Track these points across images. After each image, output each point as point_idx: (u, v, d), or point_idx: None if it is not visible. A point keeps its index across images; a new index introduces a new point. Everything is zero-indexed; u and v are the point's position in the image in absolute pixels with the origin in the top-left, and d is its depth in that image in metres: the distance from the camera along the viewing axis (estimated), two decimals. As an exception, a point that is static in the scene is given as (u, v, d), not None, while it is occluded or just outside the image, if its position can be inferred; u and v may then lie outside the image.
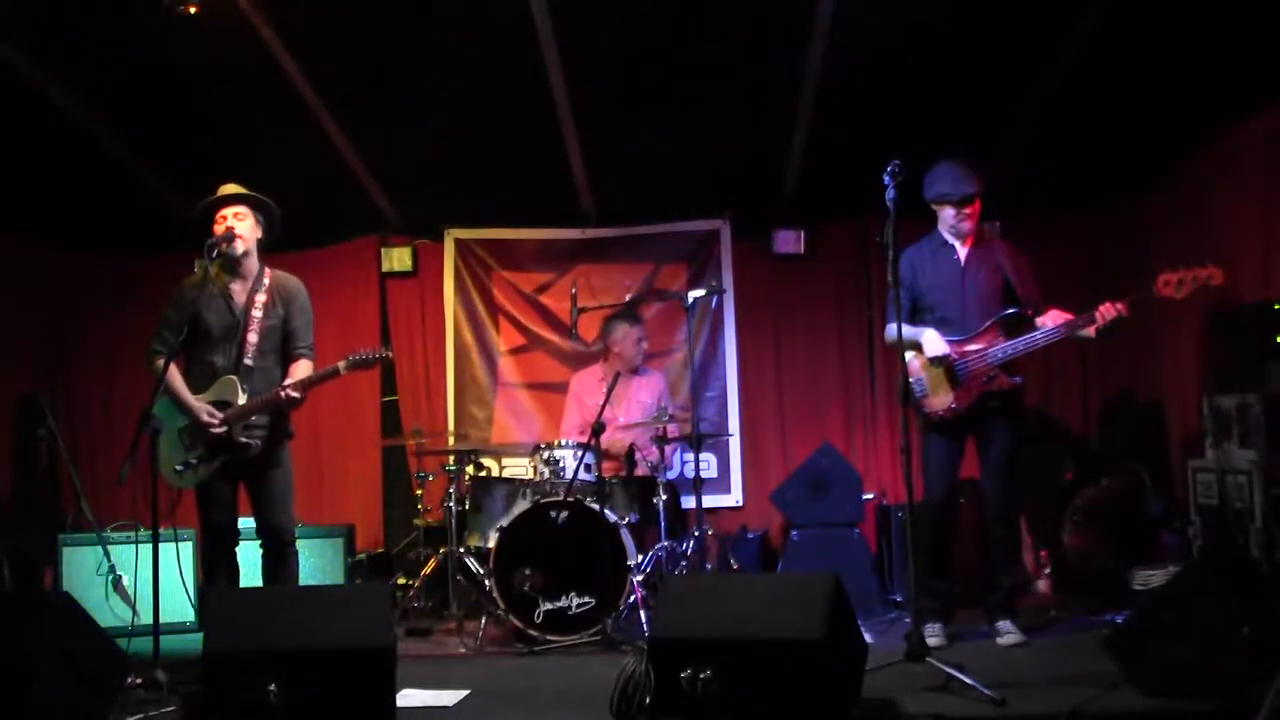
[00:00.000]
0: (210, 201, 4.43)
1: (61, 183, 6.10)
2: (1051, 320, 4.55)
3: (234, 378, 4.34)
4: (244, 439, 4.31)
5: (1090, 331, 4.45)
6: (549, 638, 4.81)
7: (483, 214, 6.82)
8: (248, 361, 4.36)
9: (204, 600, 4.87)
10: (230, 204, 4.43)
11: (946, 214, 4.70)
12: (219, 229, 4.38)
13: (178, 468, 4.32)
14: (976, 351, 4.56)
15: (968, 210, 4.65)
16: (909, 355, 4.56)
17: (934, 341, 4.58)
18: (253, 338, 4.38)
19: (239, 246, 4.38)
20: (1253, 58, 4.92)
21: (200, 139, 5.80)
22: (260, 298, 4.43)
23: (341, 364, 4.32)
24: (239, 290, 4.44)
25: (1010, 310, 4.61)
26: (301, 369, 4.43)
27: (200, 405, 4.31)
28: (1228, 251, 5.31)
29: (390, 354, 4.43)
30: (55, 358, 6.72)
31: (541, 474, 5.29)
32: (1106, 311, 4.35)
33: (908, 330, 4.53)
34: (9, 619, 3.50)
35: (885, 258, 4.10)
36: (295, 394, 4.30)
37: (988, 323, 4.58)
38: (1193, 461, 5.32)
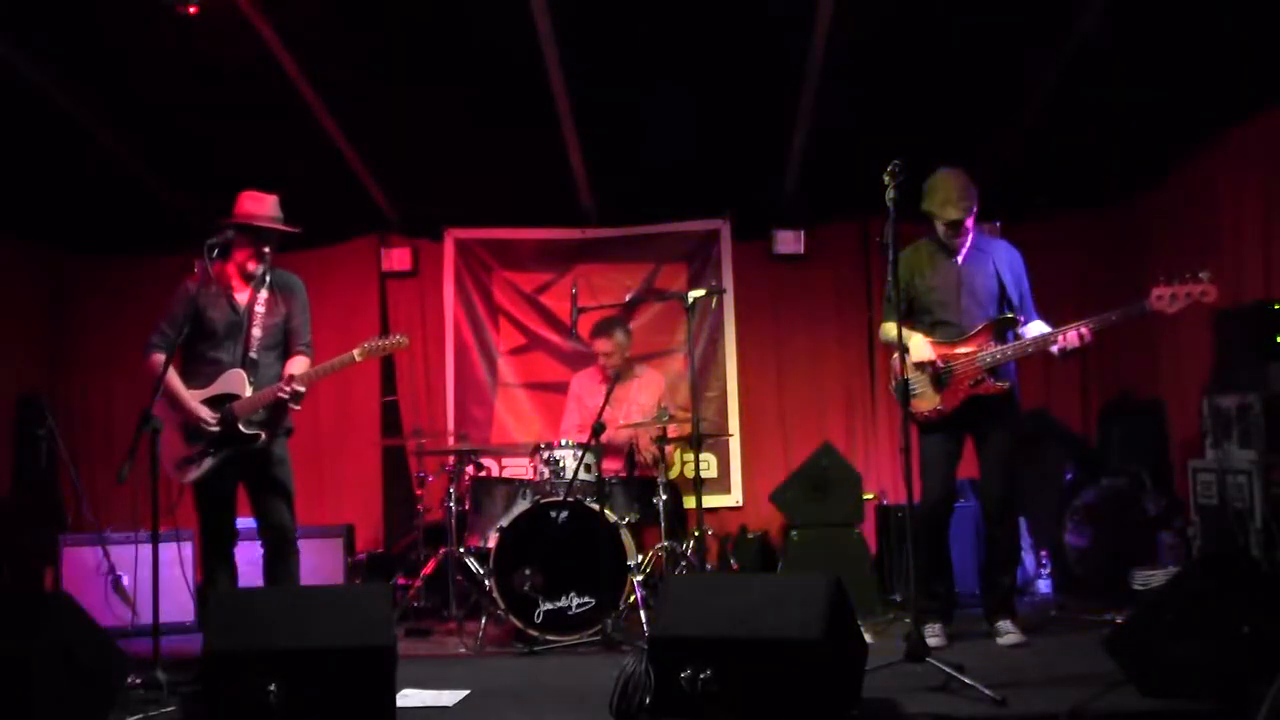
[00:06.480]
0: (258, 229, 4.44)
1: (62, 183, 6.11)
2: (1038, 328, 4.56)
3: (240, 370, 4.41)
4: (249, 430, 4.36)
5: (1056, 350, 4.44)
6: (549, 638, 4.82)
7: (483, 214, 6.82)
8: (253, 355, 4.44)
9: (204, 600, 4.87)
10: (271, 238, 4.48)
11: (938, 226, 4.69)
12: (255, 264, 4.44)
13: (183, 462, 4.34)
14: (966, 354, 4.55)
15: (957, 228, 4.64)
16: (897, 357, 4.55)
17: (920, 348, 4.57)
18: (257, 333, 4.46)
19: (260, 269, 4.48)
20: (1253, 58, 4.92)
21: (200, 139, 5.80)
22: (263, 294, 4.50)
23: (356, 351, 4.42)
24: (240, 288, 4.51)
25: (1005, 315, 4.60)
26: (297, 365, 4.50)
27: (198, 406, 4.35)
28: (1228, 251, 5.32)
29: (405, 340, 4.54)
30: (55, 358, 6.72)
31: (541, 474, 5.29)
32: (1085, 334, 4.33)
33: (897, 333, 4.53)
34: (9, 619, 3.50)
35: (885, 258, 4.09)
36: (300, 388, 4.37)
37: (980, 326, 4.58)
38: (1193, 461, 5.32)
